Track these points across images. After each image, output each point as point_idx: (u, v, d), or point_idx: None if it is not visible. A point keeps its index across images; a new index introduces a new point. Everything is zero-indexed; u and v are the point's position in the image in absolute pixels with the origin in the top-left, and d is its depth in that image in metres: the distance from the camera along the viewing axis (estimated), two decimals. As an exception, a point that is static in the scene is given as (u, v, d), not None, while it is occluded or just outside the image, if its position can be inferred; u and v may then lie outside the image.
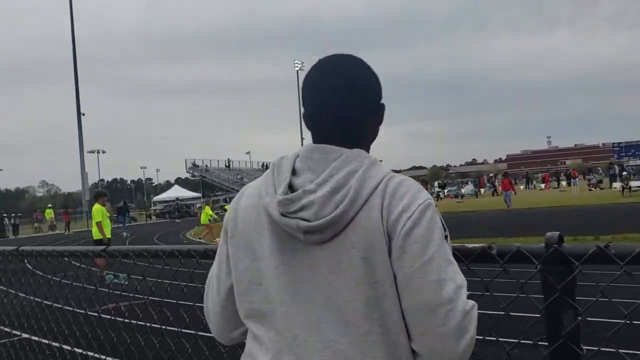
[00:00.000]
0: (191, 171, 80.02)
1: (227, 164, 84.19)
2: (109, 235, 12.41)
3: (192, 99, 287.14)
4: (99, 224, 12.21)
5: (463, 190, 50.43)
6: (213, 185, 75.47)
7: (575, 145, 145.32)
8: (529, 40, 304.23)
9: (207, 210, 21.48)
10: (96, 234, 12.34)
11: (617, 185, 33.59)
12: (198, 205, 59.05)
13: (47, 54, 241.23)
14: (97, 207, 12.48)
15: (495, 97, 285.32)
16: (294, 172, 1.25)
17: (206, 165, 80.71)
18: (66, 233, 38.00)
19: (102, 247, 2.46)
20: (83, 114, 60.52)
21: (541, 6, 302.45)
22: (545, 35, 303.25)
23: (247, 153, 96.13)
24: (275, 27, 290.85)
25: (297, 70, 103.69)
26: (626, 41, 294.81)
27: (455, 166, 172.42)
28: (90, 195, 56.99)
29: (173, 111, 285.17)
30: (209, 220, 20.91)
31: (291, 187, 1.22)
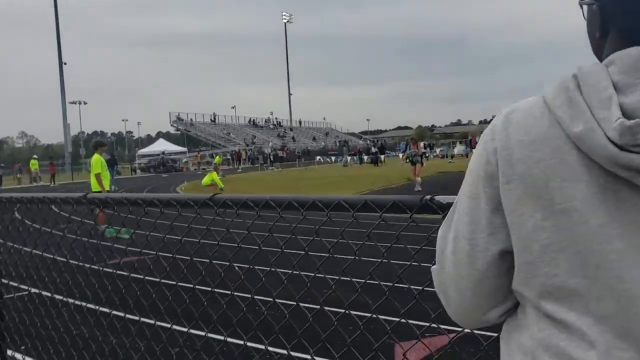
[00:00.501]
0: (175, 125, 78.92)
1: (212, 119, 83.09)
2: (107, 188, 11.91)
3: (175, 50, 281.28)
4: (97, 176, 11.64)
5: (455, 151, 50.58)
6: (198, 140, 74.56)
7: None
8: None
9: (214, 176, 20.11)
10: (95, 186, 11.78)
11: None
12: (184, 160, 58.52)
13: (28, 1, 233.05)
14: (96, 157, 11.90)
15: (481, 58, 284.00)
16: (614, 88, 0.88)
17: (191, 119, 79.64)
18: (51, 185, 37.23)
19: (208, 195, 1.97)
20: (65, 64, 58.92)
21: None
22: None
23: (233, 107, 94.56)
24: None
25: (285, 23, 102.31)
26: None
27: (440, 127, 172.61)
28: (72, 148, 56.02)
29: (155, 63, 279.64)
30: (211, 182, 19.81)
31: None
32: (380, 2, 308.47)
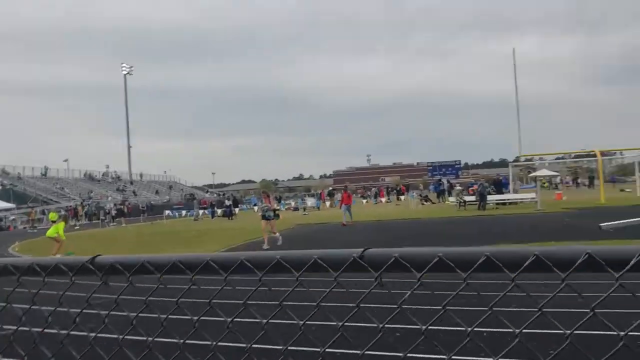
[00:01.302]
0: (0, 179, 70.86)
1: (43, 172, 76.08)
2: None
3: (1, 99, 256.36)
4: None
5: (308, 203, 51.61)
6: (26, 196, 67.51)
7: (394, 163, 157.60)
8: (350, 65, 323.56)
9: (60, 227, 17.82)
10: None
11: (453, 199, 36.44)
12: (12, 218, 52.45)
13: None
14: None
15: (319, 116, 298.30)
16: None
17: (18, 173, 72.29)
18: None
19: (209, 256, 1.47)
20: None
21: (360, 37, 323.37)
22: (364, 62, 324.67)
23: (65, 160, 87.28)
24: (96, 30, 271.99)
25: (125, 75, 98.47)
26: (434, 70, 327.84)
27: (283, 180, 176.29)
28: None
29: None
30: (56, 235, 17.69)
31: None
32: (223, 57, 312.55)
